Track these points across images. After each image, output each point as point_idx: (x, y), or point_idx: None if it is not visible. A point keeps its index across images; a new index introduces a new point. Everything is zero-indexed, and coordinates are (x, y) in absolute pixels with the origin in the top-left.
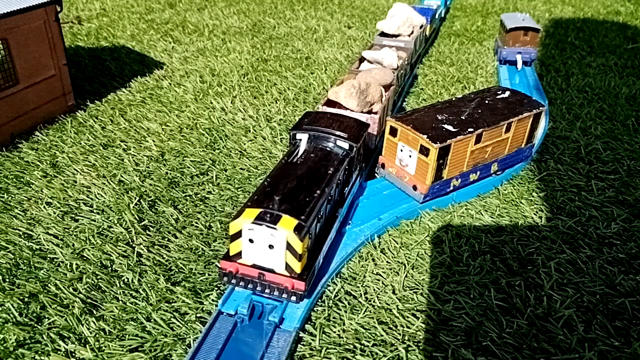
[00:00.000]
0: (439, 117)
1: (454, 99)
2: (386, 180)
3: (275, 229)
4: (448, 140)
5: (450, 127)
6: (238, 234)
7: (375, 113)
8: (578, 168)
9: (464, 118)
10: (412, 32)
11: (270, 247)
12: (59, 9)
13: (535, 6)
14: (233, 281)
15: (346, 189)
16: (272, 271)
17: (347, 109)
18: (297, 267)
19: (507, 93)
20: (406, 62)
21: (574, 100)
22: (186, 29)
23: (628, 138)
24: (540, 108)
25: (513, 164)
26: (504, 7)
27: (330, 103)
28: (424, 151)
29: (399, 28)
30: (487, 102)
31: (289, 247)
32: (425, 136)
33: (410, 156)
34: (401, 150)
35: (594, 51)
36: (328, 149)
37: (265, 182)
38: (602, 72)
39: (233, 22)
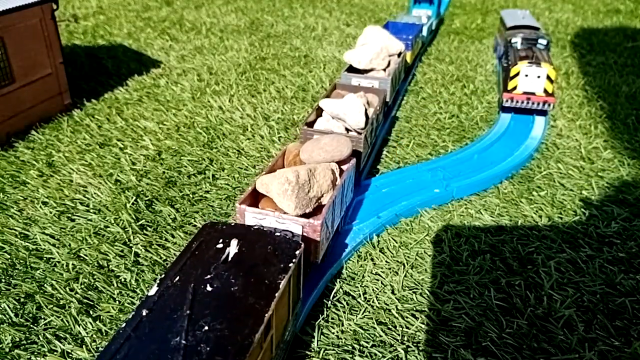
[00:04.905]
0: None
1: (163, 291)
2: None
3: None
4: None
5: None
6: None
7: (318, 216)
8: (578, 167)
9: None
10: (389, 65)
11: None
12: (55, 7)
13: (535, 4)
14: None
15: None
16: None
17: (281, 211)
18: None
19: (235, 244)
20: (379, 111)
21: (574, 98)
22: (183, 27)
23: (628, 137)
24: (299, 249)
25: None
26: (504, 5)
27: (256, 194)
28: None
29: (372, 61)
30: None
31: None
32: None
33: None
34: None
35: (593, 49)
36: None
37: None
38: (602, 71)
39: (231, 20)
